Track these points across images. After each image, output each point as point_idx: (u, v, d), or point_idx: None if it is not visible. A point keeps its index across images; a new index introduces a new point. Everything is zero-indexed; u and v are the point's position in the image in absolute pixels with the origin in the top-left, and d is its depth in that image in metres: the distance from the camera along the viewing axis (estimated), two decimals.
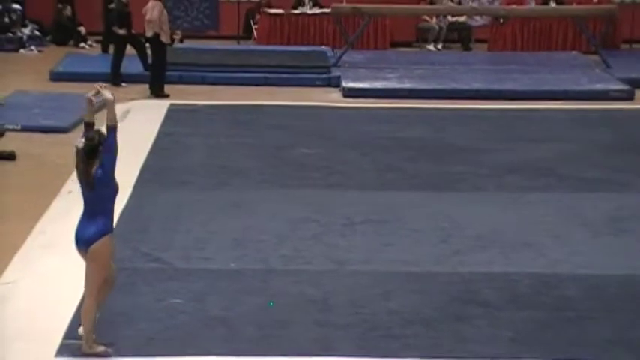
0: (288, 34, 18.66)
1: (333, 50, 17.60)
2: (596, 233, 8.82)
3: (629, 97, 15.09)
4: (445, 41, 19.46)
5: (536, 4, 19.43)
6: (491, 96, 14.88)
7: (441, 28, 19.45)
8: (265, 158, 11.25)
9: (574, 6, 18.51)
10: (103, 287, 6.31)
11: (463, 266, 7.99)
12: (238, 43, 18.95)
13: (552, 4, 18.99)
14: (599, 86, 15.49)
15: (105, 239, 6.15)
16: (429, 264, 8.05)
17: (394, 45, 18.92)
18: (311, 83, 15.76)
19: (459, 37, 19.50)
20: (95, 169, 6.13)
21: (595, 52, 17.30)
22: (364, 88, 15.34)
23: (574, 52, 18.19)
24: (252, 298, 7.28)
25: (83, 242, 6.17)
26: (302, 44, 18.18)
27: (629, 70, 16.32)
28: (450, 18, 19.47)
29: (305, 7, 19.12)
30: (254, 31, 19.24)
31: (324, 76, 16.07)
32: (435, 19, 19.53)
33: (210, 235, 8.61)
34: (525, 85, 15.52)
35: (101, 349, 6.31)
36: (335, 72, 16.19)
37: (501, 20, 18.87)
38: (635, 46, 19.03)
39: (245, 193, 9.86)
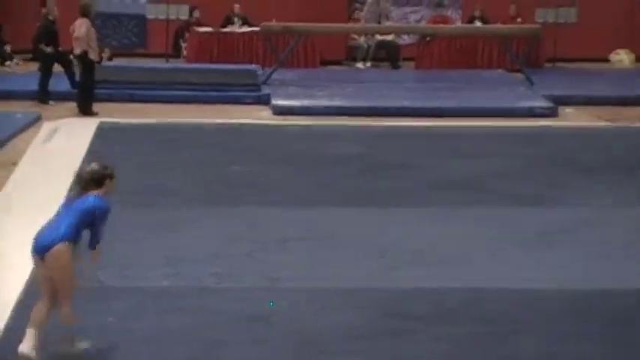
0: (218, 52, 18.66)
1: (262, 68, 17.63)
2: (527, 248, 8.95)
3: (553, 114, 15.40)
4: (374, 59, 19.64)
5: (462, 23, 19.75)
6: (420, 113, 15.04)
7: (369, 47, 19.63)
8: (197, 176, 11.19)
9: (499, 25, 18.84)
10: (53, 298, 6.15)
11: (399, 282, 8.03)
12: (167, 61, 18.86)
13: (478, 24, 19.30)
14: (524, 104, 15.78)
15: (65, 244, 6.02)
16: (365, 280, 8.07)
17: (324, 63, 19.04)
18: (241, 101, 15.77)
19: (388, 55, 19.69)
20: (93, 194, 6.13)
21: (519, 71, 17.62)
22: (294, 106, 15.39)
23: (499, 71, 18.50)
24: (184, 317, 7.22)
25: (42, 248, 6.05)
26: (231, 62, 18.17)
27: (553, 88, 16.66)
28: (378, 36, 19.66)
29: (234, 26, 19.14)
30: (183, 49, 19.19)
31: (254, 94, 16.09)
32: (363, 38, 19.70)
33: (143, 254, 8.52)
34: (453, 102, 15.74)
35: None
36: (265, 90, 16.23)
37: (428, 39, 19.12)
38: (557, 64, 19.43)
39: (177, 212, 9.79)
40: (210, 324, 7.11)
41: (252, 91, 16.19)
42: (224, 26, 19.10)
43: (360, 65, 19.51)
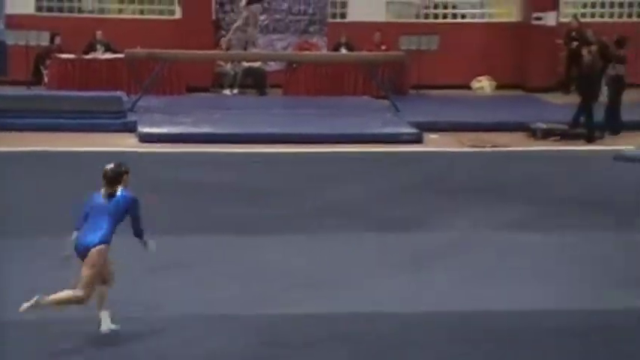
0: (80, 79, 18.27)
1: (128, 95, 17.33)
2: (402, 271, 9.04)
3: (418, 140, 15.66)
4: (241, 86, 19.62)
5: (328, 50, 19.94)
6: (289, 140, 15.06)
7: (236, 73, 19.60)
8: (62, 205, 10.85)
9: (364, 52, 19.09)
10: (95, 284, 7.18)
11: (273, 308, 7.99)
12: (29, 88, 18.35)
13: (343, 51, 19.53)
14: (390, 130, 16.00)
15: (103, 246, 7.11)
16: (239, 306, 7.99)
17: (190, 90, 18.89)
18: (106, 129, 15.47)
19: (255, 81, 19.71)
20: (118, 190, 7.26)
21: (385, 97, 17.89)
22: (161, 133, 15.20)
23: (366, 97, 18.73)
24: (55, 347, 6.99)
25: (84, 249, 7.10)
26: (95, 89, 17.79)
27: (418, 115, 16.95)
28: (245, 63, 19.64)
29: (97, 52, 18.81)
30: (44, 76, 18.72)
31: (120, 121, 15.82)
32: (230, 65, 19.65)
33: (13, 285, 8.21)
34: (321, 128, 15.82)
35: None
36: (131, 117, 15.97)
37: (295, 65, 19.22)
38: (422, 91, 19.82)
39: (50, 241, 9.47)
40: (80, 352, 6.91)
41: (118, 118, 15.91)
42: (86, 53, 18.75)
43: (227, 92, 19.45)
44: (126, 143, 14.71)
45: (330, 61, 19.15)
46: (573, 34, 20.12)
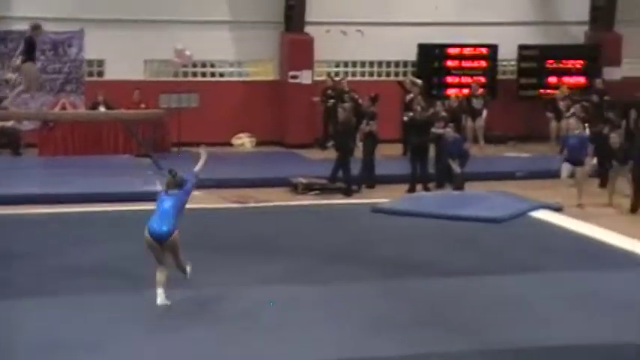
0: None
1: None
2: (163, 330, 8.87)
3: None
4: None
5: (86, 108, 19.56)
6: (47, 200, 14.57)
7: None
8: None
9: (122, 111, 18.85)
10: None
11: None
12: None
13: (102, 109, 19.20)
14: (152, 188, 15.69)
15: (177, 232, 9.35)
16: None
17: None
18: None
19: (8, 141, 18.99)
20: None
21: (146, 155, 17.70)
22: None
23: (126, 156, 18.47)
24: None
25: (166, 235, 9.34)
26: None
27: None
28: None
29: None
30: None
31: None
32: None
33: None
34: (80, 188, 15.44)
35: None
36: None
37: (51, 124, 18.70)
38: (183, 148, 19.78)
39: None
40: None
41: None
42: None
43: None
44: None
45: (86, 120, 18.77)
46: (329, 92, 20.78)
